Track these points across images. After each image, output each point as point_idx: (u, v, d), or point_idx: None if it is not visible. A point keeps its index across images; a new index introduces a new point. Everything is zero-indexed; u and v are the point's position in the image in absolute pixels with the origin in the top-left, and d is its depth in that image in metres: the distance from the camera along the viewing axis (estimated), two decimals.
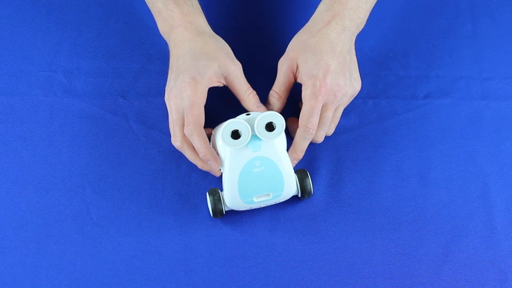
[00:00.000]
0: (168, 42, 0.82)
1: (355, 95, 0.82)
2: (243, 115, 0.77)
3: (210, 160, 0.77)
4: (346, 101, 0.81)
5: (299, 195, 0.79)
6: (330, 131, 0.83)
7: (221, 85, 0.80)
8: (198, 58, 0.77)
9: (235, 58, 0.80)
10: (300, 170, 0.79)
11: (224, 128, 0.74)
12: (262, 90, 0.82)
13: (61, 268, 0.79)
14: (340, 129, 0.84)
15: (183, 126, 0.77)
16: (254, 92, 0.80)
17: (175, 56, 0.79)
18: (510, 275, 0.78)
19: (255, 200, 0.76)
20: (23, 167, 0.83)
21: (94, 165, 0.84)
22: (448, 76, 0.90)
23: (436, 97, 0.88)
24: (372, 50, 0.91)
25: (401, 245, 0.80)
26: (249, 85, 0.80)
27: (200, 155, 0.77)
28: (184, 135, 0.78)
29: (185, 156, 0.82)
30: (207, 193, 0.79)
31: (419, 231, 0.80)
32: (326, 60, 0.76)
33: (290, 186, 0.77)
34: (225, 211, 0.79)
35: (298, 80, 0.79)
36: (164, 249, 0.79)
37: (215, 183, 0.83)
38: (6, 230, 0.80)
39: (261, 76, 0.86)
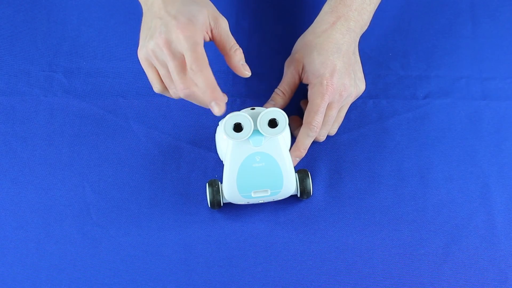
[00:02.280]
0: None
1: (359, 95, 0.82)
2: (248, 109, 0.76)
3: (217, 94, 0.70)
4: (350, 101, 0.81)
5: (298, 195, 0.79)
6: (333, 130, 0.83)
7: (208, 38, 0.74)
8: (189, 4, 0.72)
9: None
10: (302, 170, 0.79)
11: (227, 120, 0.74)
12: (268, 91, 0.82)
13: (61, 268, 0.79)
14: (340, 129, 0.84)
15: (184, 72, 0.71)
16: (241, 50, 0.75)
17: (159, 3, 0.73)
18: (510, 275, 0.78)
19: (253, 195, 0.77)
20: (23, 167, 0.83)
21: (94, 165, 0.84)
22: (448, 76, 0.90)
23: (436, 97, 0.88)
24: (372, 50, 0.91)
25: (401, 245, 0.80)
26: (235, 41, 0.75)
27: (208, 91, 0.70)
28: (189, 81, 0.71)
29: (185, 157, 0.82)
30: (207, 184, 0.79)
31: (419, 231, 0.80)
32: (332, 60, 0.76)
33: (289, 184, 0.77)
34: (223, 203, 0.79)
35: (304, 81, 0.79)
36: (164, 249, 0.79)
37: None
38: (6, 230, 0.80)
39: (266, 77, 0.87)
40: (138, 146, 0.85)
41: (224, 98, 0.70)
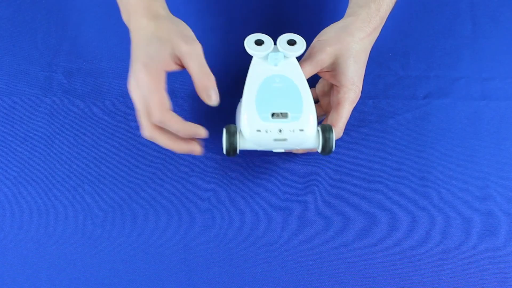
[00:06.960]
0: (129, 30, 0.78)
1: None
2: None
3: (193, 134, 0.72)
4: None
5: (319, 150, 0.74)
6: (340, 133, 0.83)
7: (180, 68, 0.74)
8: (150, 44, 0.73)
9: (193, 39, 0.75)
10: (324, 124, 0.75)
11: (249, 38, 0.77)
12: None
13: (61, 268, 0.79)
14: None
15: (149, 115, 0.72)
16: (210, 77, 0.72)
17: (132, 45, 0.75)
18: (510, 275, 0.78)
19: (272, 118, 0.73)
20: (23, 167, 0.83)
21: (94, 165, 0.84)
22: (448, 76, 0.90)
23: (436, 97, 0.88)
24: (372, 50, 0.91)
25: (401, 245, 0.80)
26: (206, 68, 0.73)
27: (180, 134, 0.72)
28: (153, 125, 0.72)
29: (185, 157, 0.82)
30: (224, 129, 0.74)
31: (419, 231, 0.80)
32: (363, 71, 0.79)
33: (308, 111, 0.74)
34: (239, 150, 0.74)
35: (331, 78, 0.77)
36: (164, 249, 0.79)
37: (214, 182, 0.82)
38: (6, 230, 0.80)
39: None
40: (138, 146, 0.85)
41: (199, 128, 0.72)
